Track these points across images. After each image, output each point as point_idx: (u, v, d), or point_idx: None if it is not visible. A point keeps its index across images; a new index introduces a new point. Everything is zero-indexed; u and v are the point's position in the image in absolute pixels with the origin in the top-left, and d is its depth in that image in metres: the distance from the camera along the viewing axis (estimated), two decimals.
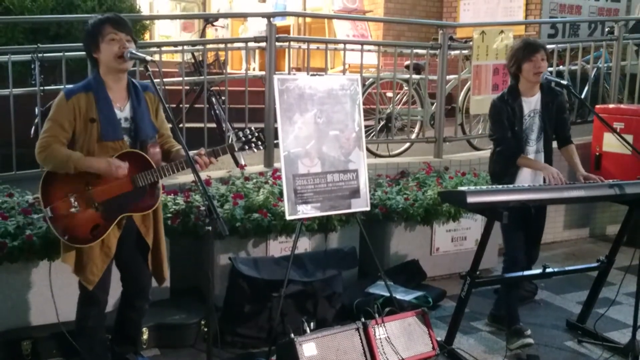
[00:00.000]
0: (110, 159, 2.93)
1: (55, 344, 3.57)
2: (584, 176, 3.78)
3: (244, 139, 3.15)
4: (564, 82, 3.95)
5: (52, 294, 3.25)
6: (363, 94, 5.44)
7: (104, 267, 3.04)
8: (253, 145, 3.16)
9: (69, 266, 3.04)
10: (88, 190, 2.96)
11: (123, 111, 3.03)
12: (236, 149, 3.15)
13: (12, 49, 4.76)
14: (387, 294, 4.03)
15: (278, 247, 4.36)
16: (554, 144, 4.04)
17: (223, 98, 5.45)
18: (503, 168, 3.91)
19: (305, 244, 4.46)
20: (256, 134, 3.16)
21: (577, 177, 3.83)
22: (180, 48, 5.94)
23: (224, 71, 5.83)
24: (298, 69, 9.43)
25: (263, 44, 5.17)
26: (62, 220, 2.96)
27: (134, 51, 2.93)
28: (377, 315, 3.49)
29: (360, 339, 3.41)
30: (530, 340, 3.73)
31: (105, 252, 3.03)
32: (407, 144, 6.26)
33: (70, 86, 3.05)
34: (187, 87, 5.73)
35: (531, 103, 3.87)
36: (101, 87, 2.98)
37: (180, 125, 5.02)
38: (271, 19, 5.11)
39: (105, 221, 2.98)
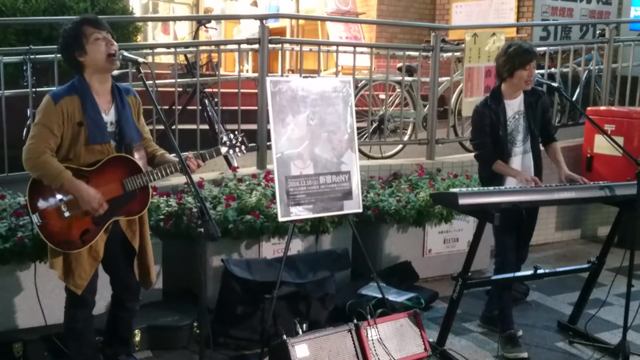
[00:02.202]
0: (99, 195, 2.90)
1: (46, 346, 3.56)
2: (566, 176, 3.82)
3: (228, 143, 3.19)
4: (555, 84, 3.99)
5: (37, 297, 3.22)
6: (355, 95, 5.45)
7: (92, 271, 3.03)
8: (237, 149, 3.21)
9: (57, 272, 3.01)
10: None
11: (108, 115, 3.00)
12: (222, 153, 3.20)
13: (4, 51, 4.74)
14: (380, 296, 4.04)
15: (271, 248, 4.36)
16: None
17: (216, 100, 5.45)
18: (489, 172, 3.94)
19: (297, 246, 4.46)
20: (240, 139, 3.20)
21: (559, 177, 3.87)
22: (172, 50, 5.94)
23: (217, 73, 5.83)
24: (291, 71, 9.44)
25: (256, 46, 5.18)
26: (51, 227, 2.92)
27: (126, 53, 2.93)
28: (369, 317, 3.50)
29: (353, 340, 3.42)
30: (526, 355, 3.75)
31: (94, 256, 3.02)
32: (400, 146, 6.28)
33: (56, 90, 3.00)
34: (180, 89, 5.73)
35: (514, 105, 3.89)
36: (87, 90, 2.94)
37: (173, 127, 5.02)
38: (264, 21, 5.12)
39: (95, 226, 2.96)
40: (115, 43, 2.95)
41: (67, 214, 2.93)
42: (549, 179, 4.12)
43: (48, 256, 3.04)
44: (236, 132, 3.25)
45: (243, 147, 3.23)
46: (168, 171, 3.03)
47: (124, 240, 3.13)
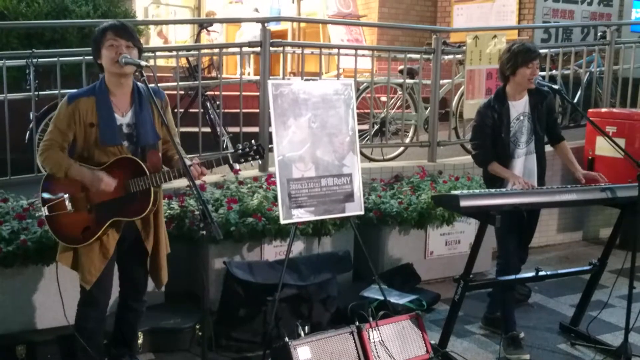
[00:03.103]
0: (100, 173, 2.97)
1: (49, 348, 3.57)
2: (584, 175, 3.83)
3: (240, 151, 3.08)
4: (556, 86, 3.99)
5: (60, 295, 3.17)
6: (357, 98, 5.47)
7: (102, 268, 3.07)
8: (250, 158, 3.10)
9: (65, 266, 3.10)
10: (82, 192, 3.02)
11: (125, 117, 3.06)
12: (231, 161, 3.09)
13: (6, 54, 4.76)
14: (382, 298, 4.04)
15: (272, 251, 4.37)
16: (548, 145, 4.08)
17: (218, 103, 5.46)
18: (490, 172, 3.95)
19: (299, 248, 4.47)
20: (254, 147, 3.08)
21: (576, 177, 3.87)
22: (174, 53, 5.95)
23: (219, 76, 5.84)
24: (293, 74, 9.46)
25: (258, 49, 5.20)
26: (56, 220, 3.04)
27: (128, 56, 2.95)
28: (371, 319, 3.50)
29: (355, 342, 3.42)
30: (528, 357, 3.77)
31: (104, 253, 3.07)
32: (401, 148, 6.29)
33: (75, 90, 3.13)
34: (182, 92, 5.75)
35: (519, 106, 3.89)
36: (104, 92, 3.03)
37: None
38: (265, 24, 5.14)
39: (95, 224, 3.02)
40: (126, 52, 2.95)
41: (70, 209, 3.02)
42: (551, 181, 4.13)
43: (58, 250, 3.13)
44: (252, 142, 3.14)
45: (257, 157, 3.12)
46: (172, 176, 3.04)
47: (138, 239, 3.17)
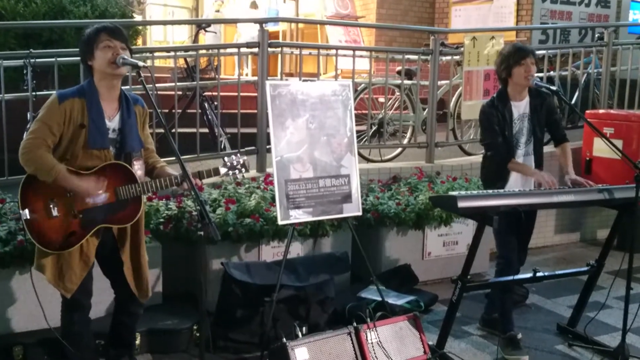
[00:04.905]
0: (91, 185, 2.91)
1: (46, 349, 3.56)
2: (571, 180, 3.82)
3: (229, 164, 3.20)
4: (554, 87, 3.99)
5: (37, 299, 3.19)
6: (355, 99, 5.47)
7: (82, 275, 3.02)
8: (237, 171, 3.23)
9: (44, 275, 3.00)
10: (69, 196, 2.93)
11: (112, 122, 3.02)
12: (221, 174, 3.20)
13: (4, 54, 4.75)
14: (379, 299, 4.04)
15: (270, 252, 4.37)
16: (550, 145, 4.09)
17: (215, 103, 5.46)
18: (494, 173, 3.95)
19: (297, 249, 4.47)
20: (241, 162, 3.21)
21: (564, 180, 3.86)
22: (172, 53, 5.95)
23: (217, 76, 5.84)
24: (290, 75, 9.46)
25: (255, 50, 5.20)
26: (38, 224, 2.93)
27: (126, 57, 2.95)
28: (369, 320, 3.50)
29: (352, 343, 3.42)
30: (527, 358, 3.78)
31: (85, 260, 3.02)
32: (399, 149, 6.29)
33: (63, 90, 3.03)
34: (180, 93, 5.74)
35: (520, 107, 3.91)
36: (94, 94, 2.97)
37: (173, 130, 5.03)
38: (263, 25, 5.14)
39: (82, 230, 2.95)
40: (123, 54, 2.94)
41: (55, 214, 2.93)
42: None
43: (35, 258, 3.02)
44: (238, 154, 3.25)
45: (244, 170, 3.22)
46: (164, 184, 3.03)
47: (116, 248, 3.13)
